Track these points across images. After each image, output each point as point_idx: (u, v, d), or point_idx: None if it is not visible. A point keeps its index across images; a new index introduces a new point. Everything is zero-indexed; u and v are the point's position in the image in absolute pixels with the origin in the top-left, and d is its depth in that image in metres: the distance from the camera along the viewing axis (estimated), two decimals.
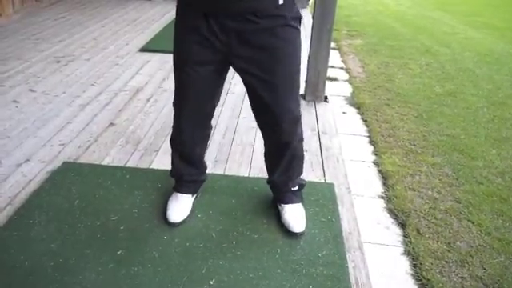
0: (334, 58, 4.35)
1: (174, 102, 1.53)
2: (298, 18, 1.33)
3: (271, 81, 1.35)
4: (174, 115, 1.54)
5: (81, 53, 3.63)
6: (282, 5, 1.24)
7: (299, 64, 1.40)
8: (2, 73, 3.12)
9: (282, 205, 1.62)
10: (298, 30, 1.35)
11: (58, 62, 3.40)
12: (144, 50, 3.75)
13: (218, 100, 1.55)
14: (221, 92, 1.54)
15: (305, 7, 5.75)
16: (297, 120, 1.46)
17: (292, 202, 1.61)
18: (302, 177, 1.67)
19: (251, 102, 1.45)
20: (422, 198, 2.13)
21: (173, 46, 1.42)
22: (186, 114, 1.51)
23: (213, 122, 1.64)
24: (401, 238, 1.84)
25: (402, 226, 1.91)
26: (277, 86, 1.36)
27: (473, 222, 1.97)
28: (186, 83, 1.42)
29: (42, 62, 3.37)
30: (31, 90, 2.85)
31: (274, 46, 1.30)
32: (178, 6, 1.36)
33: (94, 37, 4.11)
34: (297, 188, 1.62)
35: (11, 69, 3.20)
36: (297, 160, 1.59)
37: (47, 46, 3.77)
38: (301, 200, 1.66)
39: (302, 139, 1.56)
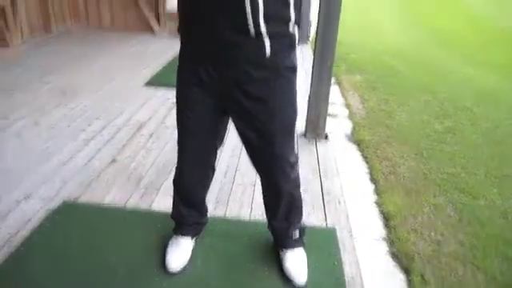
0: (334, 93, 4.41)
1: (178, 142, 1.53)
2: (292, 68, 1.31)
3: (266, 131, 1.35)
4: (177, 156, 1.55)
5: (86, 86, 3.68)
6: (270, 56, 1.23)
7: (295, 112, 1.38)
8: (6, 105, 3.15)
9: (284, 250, 1.60)
10: (293, 81, 1.33)
11: (64, 94, 3.44)
12: (148, 84, 3.81)
13: (221, 143, 1.56)
14: (223, 134, 1.54)
15: (305, 43, 5.89)
16: (292, 167, 1.44)
17: (293, 247, 1.59)
18: (302, 221, 1.65)
19: (246, 149, 1.45)
20: (425, 240, 2.11)
21: (176, 87, 1.44)
22: (187, 156, 1.52)
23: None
24: (405, 285, 1.81)
25: (406, 270, 1.88)
26: (271, 136, 1.36)
27: (478, 267, 1.94)
28: (186, 124, 1.45)
29: (48, 95, 3.41)
30: (35, 124, 2.88)
31: (268, 98, 1.30)
32: (179, 51, 1.40)
33: (99, 70, 4.18)
34: (297, 233, 1.60)
35: (16, 101, 3.24)
36: (295, 207, 1.56)
37: (53, 77, 3.83)
38: (302, 244, 1.64)
39: (298, 185, 1.53)
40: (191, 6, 1.23)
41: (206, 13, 1.20)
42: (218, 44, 1.22)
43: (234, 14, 1.16)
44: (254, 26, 1.17)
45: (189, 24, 1.27)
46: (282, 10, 1.21)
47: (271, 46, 1.22)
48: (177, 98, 1.45)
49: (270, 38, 1.20)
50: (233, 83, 1.29)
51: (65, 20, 5.84)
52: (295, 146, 1.43)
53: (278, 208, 1.53)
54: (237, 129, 1.41)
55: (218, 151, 1.57)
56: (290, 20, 1.23)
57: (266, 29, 1.18)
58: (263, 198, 1.61)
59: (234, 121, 1.41)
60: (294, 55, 1.32)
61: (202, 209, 1.69)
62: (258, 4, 1.14)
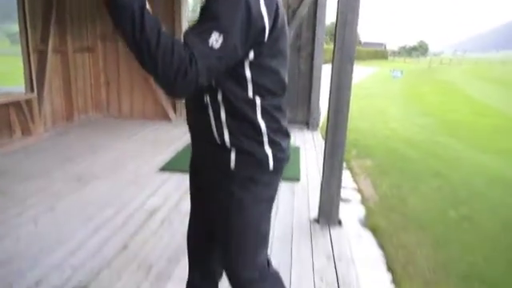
0: (346, 178, 4.45)
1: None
2: (252, 180, 1.23)
3: (217, 232, 1.35)
4: None
5: (101, 172, 3.79)
6: (235, 169, 1.20)
7: (255, 226, 1.30)
8: (23, 191, 3.24)
9: None
10: (251, 191, 1.24)
11: (79, 180, 3.54)
12: (163, 169, 3.91)
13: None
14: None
15: (315, 130, 6.10)
16: (246, 283, 1.34)
17: None
18: None
19: None
20: None
21: None
22: (189, 254, 1.55)
23: None
24: None
25: None
26: (221, 239, 1.35)
27: None
28: (190, 197, 1.50)
29: (64, 181, 3.51)
30: (50, 209, 2.93)
31: (220, 205, 1.28)
32: None
33: (115, 156, 4.34)
34: None
35: (33, 187, 3.33)
36: None
37: (71, 165, 3.97)
38: None
39: None
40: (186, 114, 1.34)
41: (189, 122, 1.32)
42: (194, 149, 1.34)
43: (204, 123, 1.21)
44: (219, 136, 1.19)
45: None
46: (245, 125, 1.18)
47: (236, 160, 1.19)
48: None
49: (236, 151, 1.19)
50: (204, 178, 1.34)
51: (87, 110, 6.22)
52: (254, 266, 1.34)
53: None
54: None
55: None
56: (260, 135, 1.20)
57: (230, 140, 1.19)
58: None
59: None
60: (266, 178, 1.26)
61: (214, 284, 1.61)
62: (219, 115, 1.17)
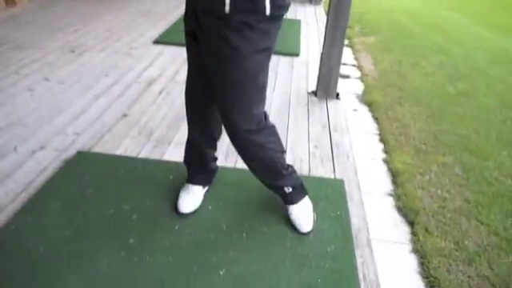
0: (347, 55, 4.34)
1: (186, 79, 1.54)
2: (248, 25, 1.19)
3: (214, 82, 1.34)
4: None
5: (95, 43, 3.66)
6: (230, 13, 1.15)
7: (251, 75, 1.29)
8: (18, 61, 3.17)
9: (286, 205, 1.63)
10: (248, 38, 1.21)
11: (73, 51, 3.44)
12: (157, 42, 3.78)
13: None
14: None
15: (318, 4, 5.74)
16: (243, 133, 1.38)
17: (294, 202, 1.61)
18: (295, 175, 1.62)
19: None
20: (432, 197, 2.13)
21: None
22: (188, 112, 1.56)
23: None
24: (409, 236, 1.85)
25: (411, 224, 1.92)
26: (218, 90, 1.34)
27: (481, 222, 1.97)
28: (187, 77, 1.48)
29: (57, 52, 3.41)
30: (46, 79, 2.90)
31: (218, 50, 1.24)
32: None
33: (108, 28, 4.15)
34: (291, 190, 1.59)
35: (27, 57, 3.25)
36: (266, 170, 1.54)
37: (62, 35, 3.81)
38: (303, 195, 1.64)
39: (264, 149, 1.46)
40: None
41: None
42: None
43: None
44: None
45: None
46: None
47: (231, 3, 1.13)
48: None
49: None
50: (203, 24, 1.25)
51: None
52: (252, 115, 1.36)
53: (253, 171, 1.55)
54: None
55: None
56: None
57: None
58: None
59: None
60: (263, 26, 1.21)
61: (209, 156, 1.69)
62: None
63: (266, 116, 1.43)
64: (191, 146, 1.65)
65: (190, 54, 1.42)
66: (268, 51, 1.29)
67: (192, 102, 1.53)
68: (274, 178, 1.57)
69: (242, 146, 1.45)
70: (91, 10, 4.71)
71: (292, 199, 1.61)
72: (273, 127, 1.48)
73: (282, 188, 1.58)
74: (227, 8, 1.14)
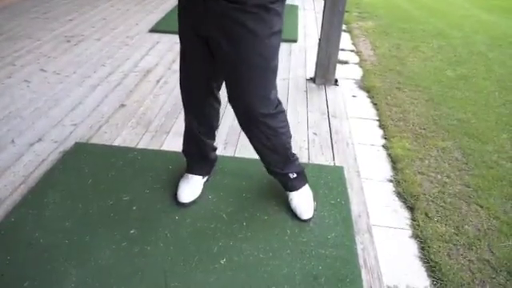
0: (345, 40, 4.29)
1: (180, 69, 1.50)
2: (263, 6, 1.19)
3: (228, 68, 1.32)
4: (180, 80, 1.52)
5: (91, 33, 3.62)
6: None
7: (267, 58, 1.29)
8: (13, 52, 3.14)
9: (287, 192, 1.63)
10: (265, 20, 1.21)
11: (69, 41, 3.40)
12: (154, 30, 3.74)
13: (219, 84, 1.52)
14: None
15: None
16: (260, 116, 1.38)
17: (296, 189, 1.61)
18: (298, 162, 1.63)
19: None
20: (431, 181, 2.13)
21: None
22: (186, 100, 1.53)
23: (222, 107, 1.63)
24: (409, 222, 1.86)
25: (411, 209, 1.92)
26: (234, 75, 1.33)
27: (481, 206, 1.97)
28: (184, 64, 1.45)
29: (53, 42, 3.37)
30: (42, 70, 2.87)
31: (234, 33, 1.23)
32: None
33: (103, 16, 4.10)
34: (295, 176, 1.59)
35: (22, 48, 3.22)
36: (278, 155, 1.54)
37: (57, 25, 3.77)
38: (304, 182, 1.64)
39: (280, 138, 1.49)
40: None
41: None
42: None
43: None
44: None
45: None
46: None
47: None
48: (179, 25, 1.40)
49: None
50: (211, 10, 1.22)
51: None
52: (269, 99, 1.38)
53: (259, 153, 1.55)
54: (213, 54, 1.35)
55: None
56: None
57: None
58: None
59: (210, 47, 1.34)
60: (277, 6, 1.22)
61: (209, 146, 1.68)
62: None
63: (279, 100, 1.44)
64: (189, 136, 1.63)
65: (190, 44, 1.38)
66: (280, 33, 1.29)
67: (191, 92, 1.51)
68: (282, 163, 1.57)
69: (257, 131, 1.44)
70: (85, 0, 4.65)
71: (294, 185, 1.61)
72: (285, 112, 1.49)
73: (287, 174, 1.58)
74: None
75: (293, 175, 1.59)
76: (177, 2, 1.35)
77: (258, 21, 1.20)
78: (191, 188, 1.65)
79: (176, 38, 3.60)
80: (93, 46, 3.32)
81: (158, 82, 2.76)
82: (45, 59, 3.03)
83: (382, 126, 2.71)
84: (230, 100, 1.40)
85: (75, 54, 3.15)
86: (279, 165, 1.57)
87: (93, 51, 3.23)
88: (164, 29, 3.74)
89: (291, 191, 1.62)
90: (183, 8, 1.33)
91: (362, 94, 3.20)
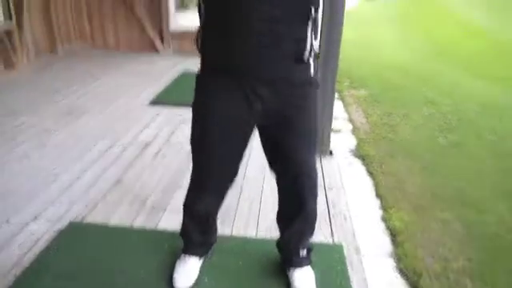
0: (337, 108, 4.43)
1: (193, 169, 1.49)
2: (317, 80, 1.41)
3: (295, 135, 1.40)
4: (192, 181, 1.53)
5: (92, 105, 3.73)
6: (313, 76, 1.35)
7: (316, 123, 1.46)
8: (14, 127, 3.20)
9: (291, 269, 1.59)
10: (315, 88, 1.42)
11: (70, 114, 3.49)
12: (154, 102, 3.85)
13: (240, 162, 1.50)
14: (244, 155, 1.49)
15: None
16: (315, 176, 1.50)
17: (301, 266, 1.59)
18: (310, 241, 1.64)
19: (271, 154, 1.49)
20: (433, 256, 2.09)
21: (193, 104, 1.40)
22: (208, 183, 1.50)
23: None
24: None
25: (415, 287, 1.87)
26: (299, 140, 1.42)
27: (486, 283, 1.92)
28: (210, 143, 1.39)
29: (55, 115, 3.46)
30: (43, 144, 2.91)
31: (302, 106, 1.38)
32: (203, 65, 1.36)
33: (105, 89, 4.25)
34: (305, 251, 1.60)
35: (23, 122, 3.29)
36: (310, 221, 1.57)
37: (60, 97, 3.89)
38: (309, 262, 1.63)
39: (316, 201, 1.55)
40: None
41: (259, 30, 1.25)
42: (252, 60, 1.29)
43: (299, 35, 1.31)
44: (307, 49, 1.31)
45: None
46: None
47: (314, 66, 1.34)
48: (197, 117, 1.41)
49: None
50: (267, 94, 1.30)
51: (70, 41, 5.94)
52: (316, 160, 1.52)
53: (295, 220, 1.53)
54: (263, 134, 1.46)
55: None
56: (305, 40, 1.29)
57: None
58: (278, 214, 1.61)
59: (260, 130, 1.44)
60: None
61: (212, 230, 1.68)
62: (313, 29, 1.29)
63: None
64: (193, 218, 1.59)
65: (227, 126, 1.36)
66: None
67: (220, 171, 1.46)
68: (309, 233, 1.59)
69: (308, 193, 1.50)
70: (88, 73, 4.83)
71: (299, 261, 1.59)
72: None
73: (300, 249, 1.58)
74: (312, 71, 1.33)
75: (303, 252, 1.59)
76: (178, 74, 1.42)
77: (314, 90, 1.40)
78: (188, 271, 1.60)
79: (175, 110, 3.65)
80: (94, 120, 3.40)
81: (156, 155, 2.80)
82: (46, 134, 3.09)
83: (378, 196, 2.72)
84: (284, 165, 1.48)
85: (76, 128, 3.22)
86: (302, 237, 1.57)
87: (93, 124, 3.30)
88: (164, 100, 3.86)
89: (295, 267, 1.58)
90: (207, 86, 1.37)
91: (357, 163, 3.23)
